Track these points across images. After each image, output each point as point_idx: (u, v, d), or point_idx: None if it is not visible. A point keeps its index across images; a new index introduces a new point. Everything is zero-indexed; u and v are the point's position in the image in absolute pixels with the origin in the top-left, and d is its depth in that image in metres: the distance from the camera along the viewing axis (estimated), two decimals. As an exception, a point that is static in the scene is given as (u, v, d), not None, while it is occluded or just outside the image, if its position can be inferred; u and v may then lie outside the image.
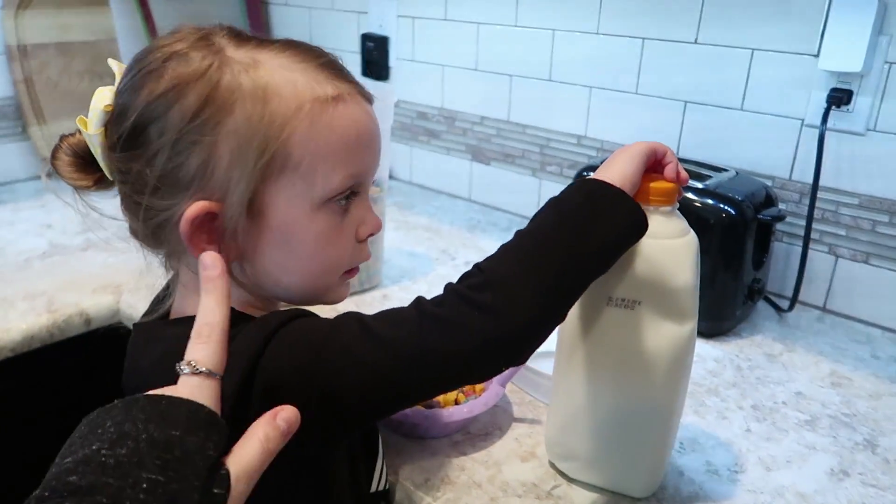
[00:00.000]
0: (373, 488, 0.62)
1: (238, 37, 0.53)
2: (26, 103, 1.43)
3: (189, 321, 0.45)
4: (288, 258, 0.53)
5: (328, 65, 0.53)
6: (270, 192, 0.50)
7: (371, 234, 0.56)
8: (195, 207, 0.49)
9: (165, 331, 0.55)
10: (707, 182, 0.94)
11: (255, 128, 0.49)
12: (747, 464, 0.70)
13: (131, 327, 0.98)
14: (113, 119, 0.52)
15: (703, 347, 0.91)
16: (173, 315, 0.57)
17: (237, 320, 0.49)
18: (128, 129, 0.50)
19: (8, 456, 0.97)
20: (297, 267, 0.54)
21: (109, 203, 1.42)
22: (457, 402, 0.72)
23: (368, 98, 0.55)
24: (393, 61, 1.52)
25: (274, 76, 0.50)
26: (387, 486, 0.65)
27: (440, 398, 0.72)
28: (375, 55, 1.53)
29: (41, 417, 0.99)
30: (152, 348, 0.55)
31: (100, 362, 1.00)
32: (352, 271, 0.57)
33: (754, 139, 1.05)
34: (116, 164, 0.52)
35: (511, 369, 0.72)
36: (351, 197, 0.54)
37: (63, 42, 1.47)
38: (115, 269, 1.07)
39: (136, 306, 0.96)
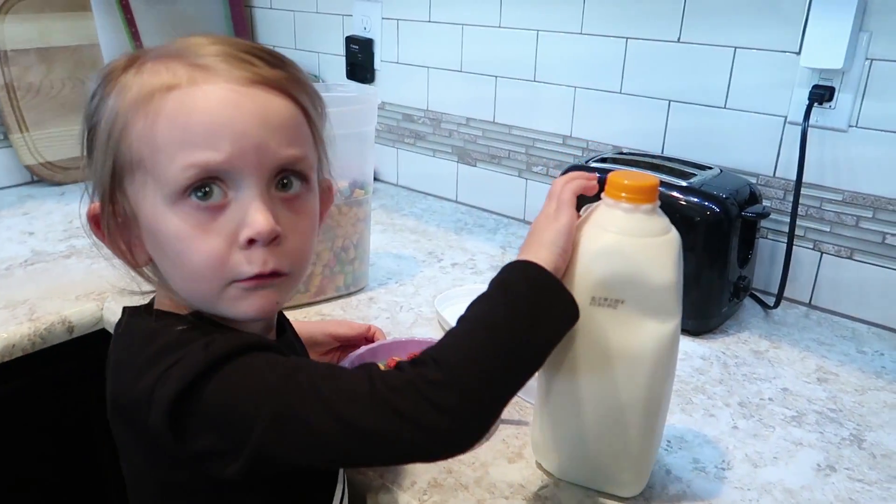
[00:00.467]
0: None
1: (159, 47, 0.53)
2: (7, 110, 1.42)
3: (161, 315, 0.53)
4: (164, 260, 0.52)
5: (220, 53, 0.50)
6: (130, 192, 0.51)
7: (252, 239, 0.49)
8: (90, 208, 0.53)
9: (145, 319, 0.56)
10: (691, 180, 0.94)
11: (106, 127, 0.50)
12: (734, 461, 0.70)
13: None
14: None
15: (689, 345, 0.92)
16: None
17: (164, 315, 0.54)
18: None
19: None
20: (173, 270, 0.52)
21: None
22: (443, 405, 0.72)
23: (261, 83, 0.50)
24: (378, 63, 1.52)
25: (136, 74, 0.50)
26: None
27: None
28: (360, 58, 1.53)
29: (22, 427, 0.98)
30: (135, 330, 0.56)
31: (83, 370, 0.99)
32: (250, 280, 0.50)
33: (738, 137, 1.06)
34: None
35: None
36: (214, 189, 0.49)
37: (44, 48, 1.45)
38: (98, 275, 1.06)
39: (118, 313, 0.95)
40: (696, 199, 0.91)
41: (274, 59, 0.52)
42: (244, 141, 0.48)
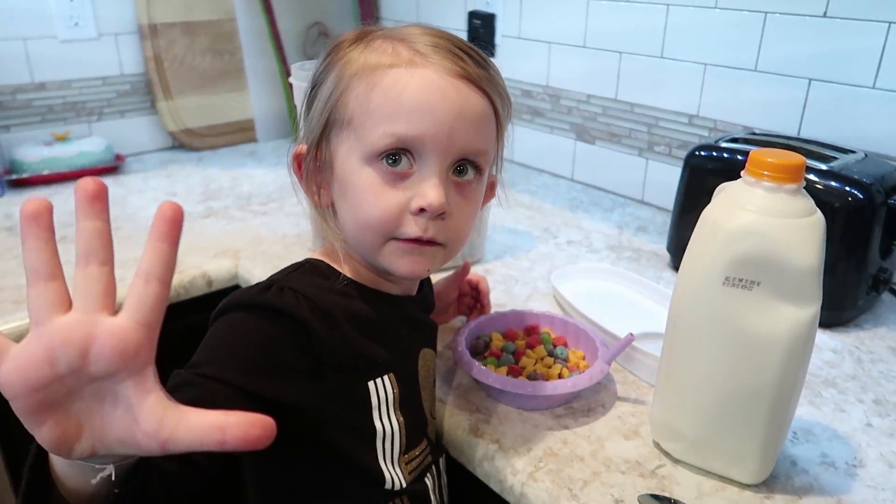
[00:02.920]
0: (388, 483, 0.60)
1: (385, 28, 0.60)
2: (155, 79, 1.53)
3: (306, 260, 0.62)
4: (345, 206, 0.59)
5: (437, 45, 0.57)
6: (334, 144, 0.59)
7: (422, 209, 0.55)
8: (296, 148, 0.61)
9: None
10: (832, 164, 0.89)
11: (329, 88, 0.58)
12: (867, 459, 0.67)
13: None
14: None
15: (820, 337, 0.87)
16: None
17: (305, 260, 0.62)
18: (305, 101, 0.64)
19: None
20: (350, 216, 0.59)
21: (227, 174, 1.51)
22: (560, 377, 0.73)
23: (467, 79, 0.56)
24: (499, 38, 1.52)
25: (365, 48, 0.58)
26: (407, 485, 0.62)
27: (543, 371, 0.73)
28: (481, 32, 1.53)
29: (170, 368, 1.07)
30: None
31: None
32: (407, 241, 0.57)
33: (887, 120, 0.98)
34: None
35: (617, 346, 0.72)
36: (403, 158, 0.55)
37: (188, 21, 1.56)
38: (233, 235, 1.13)
39: (252, 270, 1.02)
40: (836, 184, 0.86)
41: (480, 59, 0.59)
42: (439, 125, 0.55)
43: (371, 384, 0.58)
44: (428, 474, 0.65)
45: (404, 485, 0.61)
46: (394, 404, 0.60)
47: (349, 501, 0.59)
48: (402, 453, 0.61)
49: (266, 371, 0.51)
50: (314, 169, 0.61)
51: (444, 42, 0.57)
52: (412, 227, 0.56)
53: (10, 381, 0.33)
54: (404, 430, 0.61)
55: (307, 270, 0.60)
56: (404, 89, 0.54)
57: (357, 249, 0.61)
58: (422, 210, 0.55)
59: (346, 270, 0.62)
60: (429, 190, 0.55)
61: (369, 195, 0.56)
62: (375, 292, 0.62)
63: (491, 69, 0.59)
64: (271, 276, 0.59)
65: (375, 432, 0.59)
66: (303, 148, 0.60)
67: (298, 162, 0.61)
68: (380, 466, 0.59)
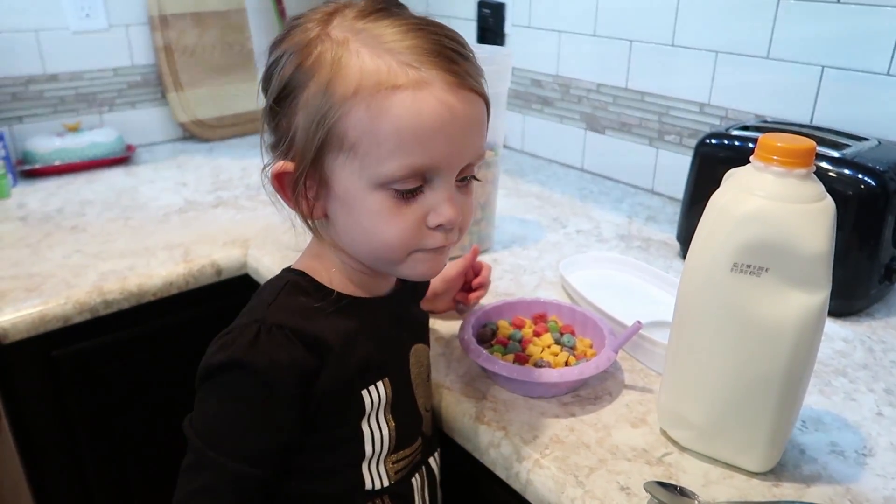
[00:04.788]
0: (368, 485, 0.61)
1: (362, 12, 0.55)
2: (165, 70, 1.54)
3: (289, 271, 0.60)
4: (352, 226, 0.57)
5: (427, 48, 0.52)
6: (332, 165, 0.55)
7: (441, 225, 0.55)
8: (277, 166, 0.56)
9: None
10: (844, 151, 0.88)
11: (320, 105, 0.53)
12: (877, 448, 0.66)
13: (257, 279, 1.04)
14: None
15: (830, 327, 0.86)
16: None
17: (285, 273, 0.61)
18: (260, 87, 0.58)
19: (148, 388, 1.07)
20: (360, 237, 0.57)
21: (237, 165, 1.51)
22: (567, 364, 0.72)
23: (468, 87, 0.54)
24: (508, 28, 1.51)
25: (351, 57, 0.52)
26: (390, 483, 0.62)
27: (550, 359, 0.73)
28: (491, 21, 1.52)
29: (179, 356, 1.07)
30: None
31: (229, 310, 1.07)
32: (429, 252, 0.57)
33: (901, 106, 0.97)
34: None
35: (625, 333, 0.72)
36: (419, 189, 0.54)
37: (198, 12, 1.56)
38: (242, 224, 1.14)
39: (261, 260, 1.02)
40: (849, 172, 0.85)
41: (465, 50, 0.55)
42: (451, 147, 0.54)
43: (364, 392, 0.58)
44: (416, 474, 0.65)
45: (386, 484, 0.61)
46: (384, 408, 0.60)
47: (326, 502, 0.59)
48: (389, 453, 0.61)
49: (273, 429, 0.55)
50: (304, 186, 0.56)
51: (431, 45, 0.53)
52: (434, 241, 0.56)
53: None
54: (394, 433, 0.61)
55: (290, 291, 0.58)
56: (416, 118, 0.51)
57: (368, 262, 0.59)
58: (439, 225, 0.56)
59: (332, 279, 0.60)
60: (445, 207, 0.55)
61: (383, 218, 0.54)
62: (364, 300, 0.61)
63: (472, 55, 0.56)
64: (253, 307, 0.58)
65: (363, 437, 0.59)
66: (287, 166, 0.56)
67: (280, 179, 0.57)
68: (360, 470, 0.60)
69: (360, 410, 0.58)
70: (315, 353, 0.55)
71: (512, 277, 0.98)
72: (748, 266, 0.56)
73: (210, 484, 0.53)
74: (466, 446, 0.70)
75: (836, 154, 0.87)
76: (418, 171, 0.53)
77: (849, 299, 0.89)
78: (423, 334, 0.70)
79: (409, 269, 0.58)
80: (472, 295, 0.86)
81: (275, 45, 0.56)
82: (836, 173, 0.85)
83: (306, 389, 0.55)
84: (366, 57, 0.52)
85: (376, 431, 0.60)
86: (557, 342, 0.76)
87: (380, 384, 0.60)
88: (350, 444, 0.59)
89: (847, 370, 0.78)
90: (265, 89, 0.58)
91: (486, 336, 0.77)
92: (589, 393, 0.73)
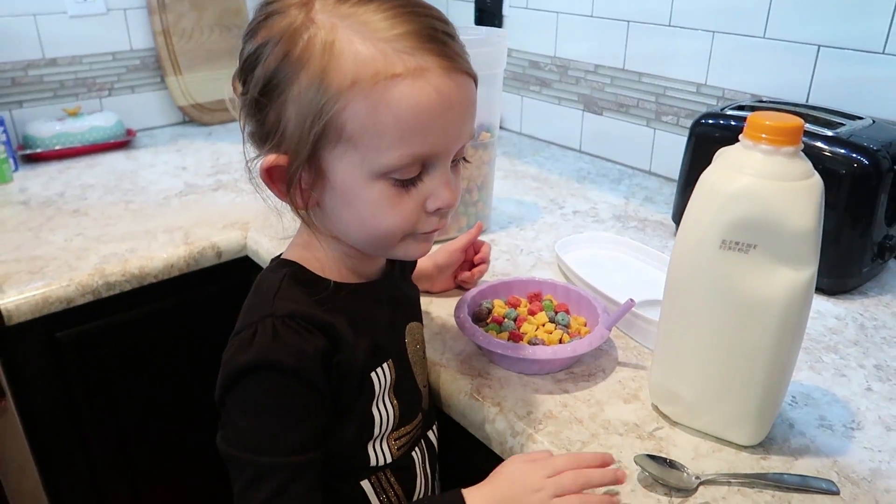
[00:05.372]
0: (373, 462, 0.62)
1: None
2: (164, 54, 1.54)
3: (282, 263, 0.60)
4: (350, 216, 0.56)
5: (419, 33, 0.51)
6: (329, 157, 0.54)
7: (440, 209, 0.56)
8: (268, 160, 0.54)
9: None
10: (838, 130, 0.88)
11: (313, 96, 0.51)
12: (865, 422, 0.67)
13: (256, 261, 1.06)
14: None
15: (823, 304, 0.87)
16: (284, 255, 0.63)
17: (279, 266, 0.60)
18: (235, 78, 0.57)
19: (150, 367, 1.08)
20: (358, 226, 0.57)
21: (236, 148, 1.51)
22: (561, 342, 0.74)
23: (461, 70, 0.53)
24: (506, 9, 1.51)
25: (343, 45, 0.50)
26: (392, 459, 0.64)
27: (544, 337, 0.74)
28: (489, 3, 1.52)
29: (180, 337, 1.09)
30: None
31: (229, 291, 1.09)
32: (422, 234, 0.58)
33: (896, 85, 0.97)
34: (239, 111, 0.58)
35: (618, 311, 0.73)
36: (418, 176, 0.54)
37: (196, -5, 1.56)
38: (242, 208, 1.15)
39: (260, 242, 1.03)
40: (842, 150, 0.86)
41: (450, 28, 0.55)
42: (449, 132, 0.54)
43: (373, 374, 0.60)
44: (416, 448, 0.66)
45: (389, 460, 0.62)
46: (389, 390, 0.61)
47: (332, 481, 0.60)
48: (392, 431, 0.62)
49: (315, 415, 0.55)
50: (298, 178, 0.54)
51: (418, 27, 0.52)
52: (429, 225, 0.57)
53: None
54: (397, 412, 0.62)
55: (290, 283, 0.58)
56: (416, 107, 0.51)
57: (361, 247, 0.60)
58: (438, 209, 0.56)
59: (323, 268, 0.60)
60: (443, 191, 0.55)
61: (384, 208, 0.55)
62: (359, 286, 0.62)
63: (456, 31, 0.55)
64: (255, 303, 0.57)
65: (373, 419, 0.60)
66: (280, 160, 0.54)
67: (270, 173, 0.55)
68: (366, 448, 0.61)
69: (370, 393, 0.59)
70: (329, 338, 0.56)
71: (508, 258, 0.99)
72: (736, 243, 0.57)
73: (278, 487, 0.53)
74: (462, 422, 0.72)
75: (829, 133, 0.87)
76: (419, 160, 0.54)
77: (842, 277, 0.89)
78: (416, 312, 0.71)
79: (401, 252, 0.59)
80: (475, 270, 0.87)
81: (252, 33, 0.54)
82: (830, 152, 0.86)
83: (329, 372, 0.56)
84: (358, 45, 0.50)
85: (383, 412, 0.61)
86: (552, 321, 0.77)
87: (385, 366, 0.61)
88: (360, 427, 0.60)
89: (838, 347, 0.79)
90: (244, 80, 0.55)
91: (482, 315, 0.79)
92: (583, 370, 0.74)
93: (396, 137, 0.52)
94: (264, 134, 0.55)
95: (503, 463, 0.60)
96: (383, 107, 0.51)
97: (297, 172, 0.54)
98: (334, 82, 0.50)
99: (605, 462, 0.58)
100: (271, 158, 0.54)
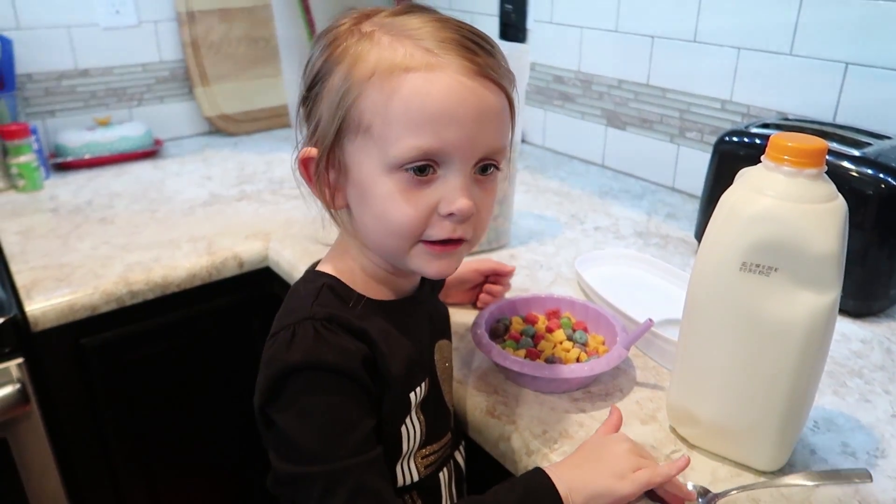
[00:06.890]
0: (399, 482, 0.62)
1: (394, 12, 0.57)
2: (192, 66, 1.57)
3: (319, 274, 0.61)
4: (365, 213, 0.57)
5: (450, 38, 0.53)
6: (349, 150, 0.56)
7: (452, 214, 0.55)
8: (303, 152, 0.58)
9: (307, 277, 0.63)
10: (865, 150, 0.87)
11: (339, 90, 0.54)
12: (890, 450, 0.66)
13: (277, 272, 1.06)
14: None
15: (848, 327, 0.86)
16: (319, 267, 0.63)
17: (316, 277, 0.60)
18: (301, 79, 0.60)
19: (171, 375, 1.10)
20: (372, 223, 0.57)
21: (262, 159, 1.54)
22: (578, 360, 0.73)
23: (485, 76, 0.54)
24: (530, 23, 1.51)
25: (374, 44, 0.54)
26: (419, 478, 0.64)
27: (562, 355, 0.73)
28: (513, 17, 1.52)
29: (201, 345, 1.10)
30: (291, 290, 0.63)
31: (249, 302, 1.10)
32: (435, 245, 0.56)
33: (927, 104, 0.95)
34: None
35: (636, 331, 0.72)
36: (429, 169, 0.54)
37: (225, 8, 1.59)
38: (264, 218, 1.16)
39: (282, 253, 1.04)
40: (869, 171, 0.84)
41: (488, 46, 0.56)
42: (462, 132, 0.53)
43: (411, 394, 0.59)
44: (444, 468, 0.66)
45: (416, 479, 0.62)
46: (418, 406, 0.61)
47: None
48: (419, 448, 0.62)
49: (367, 412, 0.55)
50: (326, 172, 0.57)
51: (452, 35, 0.54)
52: (440, 230, 0.55)
53: None
54: (424, 428, 0.62)
55: (328, 293, 0.58)
56: (426, 97, 0.52)
57: (379, 253, 0.60)
58: (450, 214, 0.55)
59: (356, 281, 0.61)
60: (457, 196, 0.54)
61: (394, 202, 0.54)
62: (392, 303, 0.62)
63: (499, 54, 0.57)
64: (293, 308, 0.58)
65: (401, 436, 0.60)
66: (311, 151, 0.57)
67: (306, 165, 0.58)
68: (394, 468, 0.60)
69: (404, 411, 0.59)
70: (369, 345, 0.56)
71: (528, 273, 0.98)
72: (757, 265, 0.56)
73: (355, 487, 0.52)
74: (477, 439, 0.72)
75: (856, 153, 0.86)
76: (428, 154, 0.53)
77: (868, 300, 0.88)
78: (446, 329, 0.71)
79: (415, 263, 0.57)
80: (484, 297, 0.87)
81: (315, 41, 0.59)
82: (857, 172, 0.84)
83: (372, 378, 0.56)
84: (385, 43, 0.54)
85: (411, 429, 0.60)
86: (570, 338, 0.77)
87: (423, 384, 0.61)
88: (389, 445, 0.59)
89: (863, 371, 0.78)
90: (304, 85, 0.60)
91: (499, 331, 0.78)
92: (600, 389, 0.73)
93: (405, 127, 0.52)
94: (310, 130, 0.58)
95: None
96: (394, 95, 0.52)
97: (321, 161, 0.57)
98: (356, 74, 0.53)
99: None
100: (305, 150, 0.58)
